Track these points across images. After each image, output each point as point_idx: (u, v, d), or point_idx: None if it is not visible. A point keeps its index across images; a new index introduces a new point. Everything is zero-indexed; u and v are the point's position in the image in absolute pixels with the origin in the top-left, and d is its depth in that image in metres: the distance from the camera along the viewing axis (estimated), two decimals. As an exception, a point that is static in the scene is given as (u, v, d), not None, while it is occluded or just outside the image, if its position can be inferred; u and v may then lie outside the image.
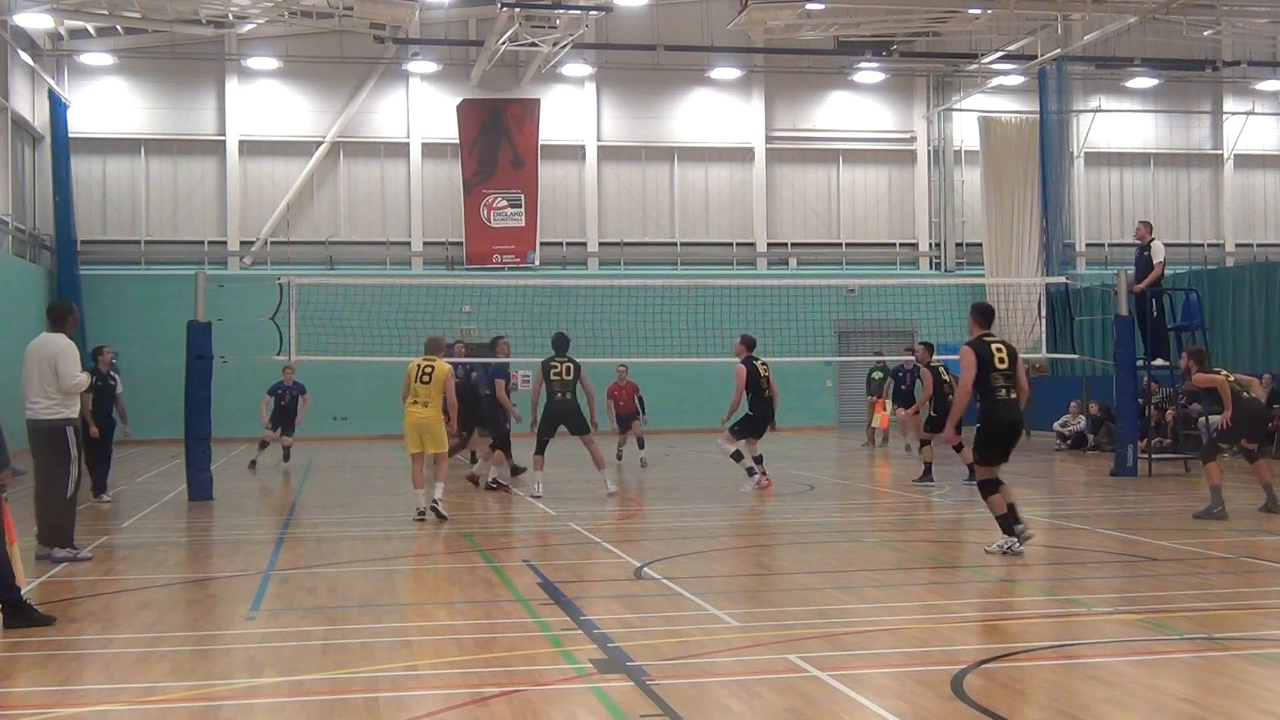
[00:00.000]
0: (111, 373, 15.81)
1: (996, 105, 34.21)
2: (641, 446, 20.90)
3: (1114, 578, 9.72)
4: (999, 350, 10.52)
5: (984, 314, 10.93)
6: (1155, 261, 17.65)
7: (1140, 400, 18.97)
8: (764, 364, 16.25)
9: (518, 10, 26.76)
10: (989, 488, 10.45)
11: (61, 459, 10.49)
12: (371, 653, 7.19)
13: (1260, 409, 13.69)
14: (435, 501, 13.21)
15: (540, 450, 15.64)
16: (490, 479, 16.66)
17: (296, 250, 31.21)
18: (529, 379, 28.31)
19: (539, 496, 15.33)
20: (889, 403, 25.99)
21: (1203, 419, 19.42)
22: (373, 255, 31.67)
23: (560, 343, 15.76)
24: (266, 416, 21.23)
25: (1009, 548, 10.32)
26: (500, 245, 31.53)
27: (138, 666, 6.94)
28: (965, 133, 34.20)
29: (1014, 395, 10.43)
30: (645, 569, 9.92)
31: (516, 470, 18.13)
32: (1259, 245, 35.27)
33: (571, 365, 15.51)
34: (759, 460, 16.39)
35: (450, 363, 14.79)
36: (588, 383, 15.76)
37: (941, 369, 17.19)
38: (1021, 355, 11.14)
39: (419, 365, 13.40)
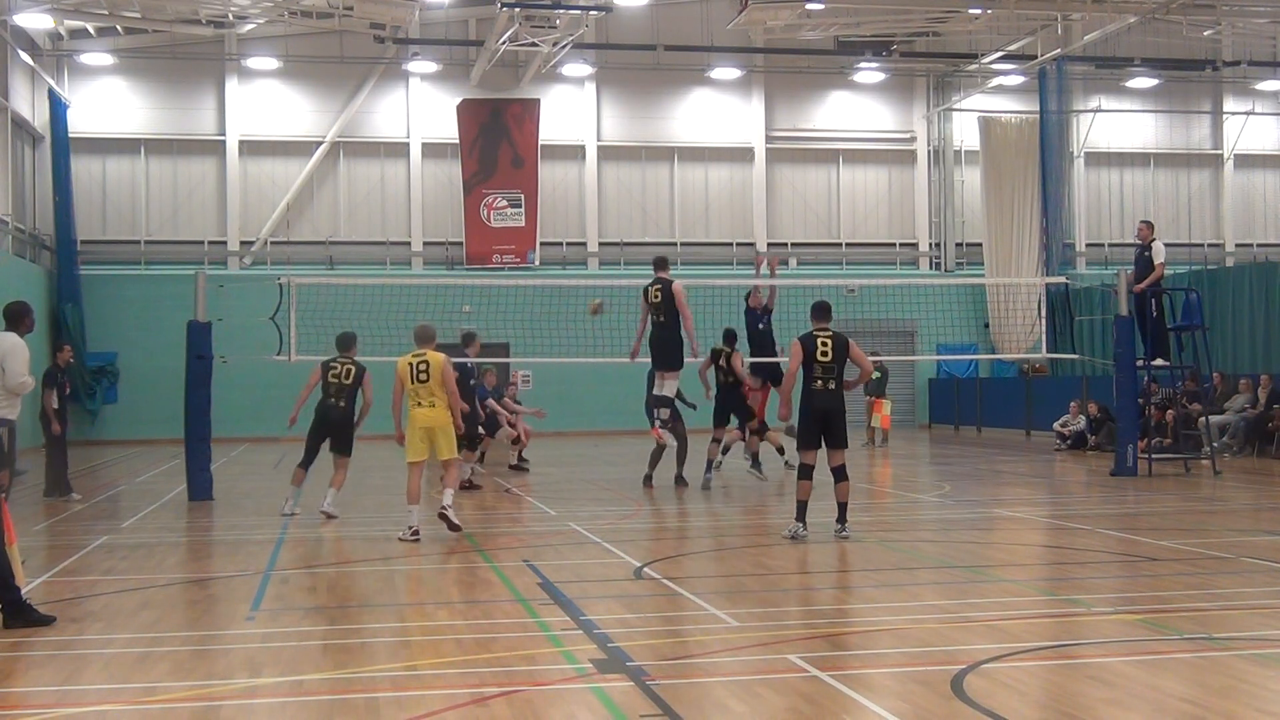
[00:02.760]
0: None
1: (996, 105, 34.22)
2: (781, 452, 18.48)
3: (1114, 578, 9.72)
4: (824, 345, 11.52)
5: (817, 310, 11.89)
6: (1156, 262, 17.66)
7: (1140, 400, 18.96)
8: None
9: (518, 10, 26.76)
10: (802, 472, 11.55)
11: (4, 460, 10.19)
12: (371, 653, 7.19)
13: None
14: (444, 509, 11.86)
15: (304, 463, 14.14)
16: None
17: (296, 250, 31.22)
18: (529, 378, 28.42)
19: (292, 514, 13.82)
20: (887, 403, 26.01)
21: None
22: (373, 255, 31.68)
23: (344, 341, 14.02)
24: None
25: (795, 532, 11.33)
26: (500, 245, 31.54)
27: (138, 666, 6.94)
28: (965, 133, 34.21)
29: (832, 386, 11.51)
30: (645, 569, 9.92)
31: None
32: (1259, 245, 35.27)
33: (353, 367, 13.73)
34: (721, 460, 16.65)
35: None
36: (369, 390, 13.77)
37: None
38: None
39: (410, 362, 11.84)
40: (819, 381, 11.47)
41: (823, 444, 11.55)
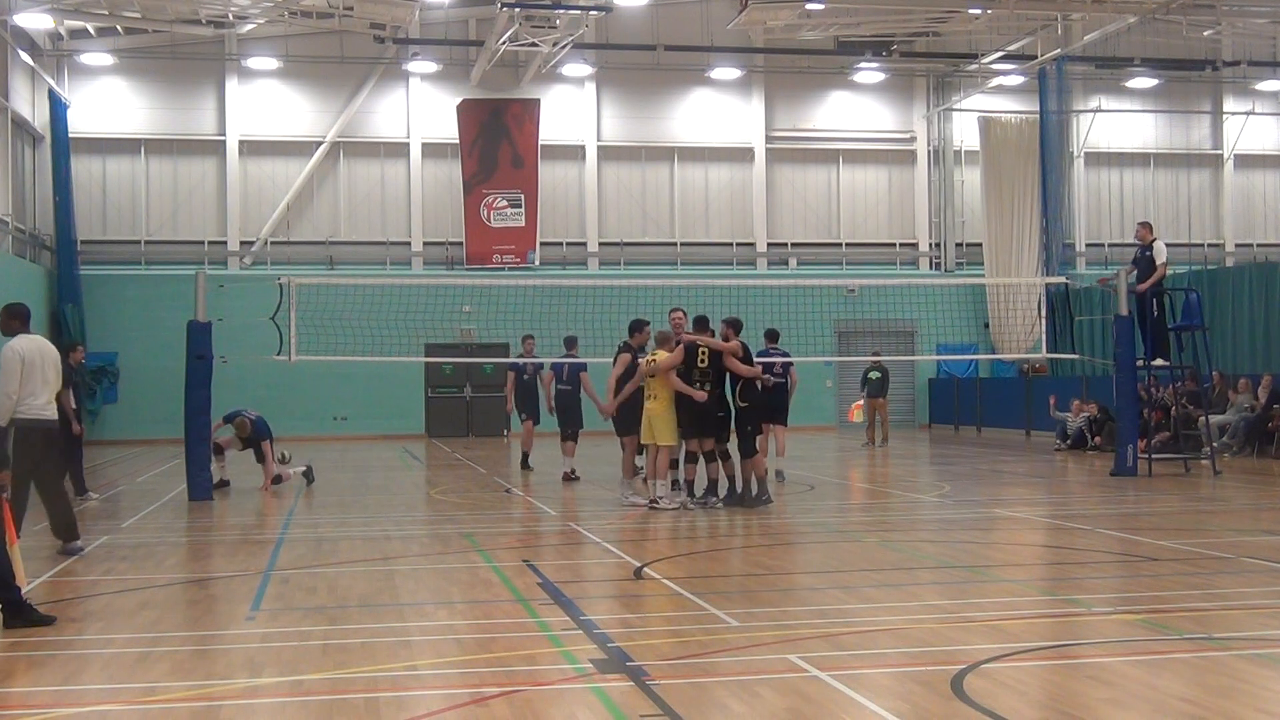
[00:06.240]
0: None
1: (996, 105, 34.22)
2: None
3: (1114, 578, 9.72)
4: (703, 353, 13.29)
5: (697, 322, 13.70)
6: (1158, 262, 17.66)
7: (1142, 399, 18.95)
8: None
9: (518, 10, 26.77)
10: (690, 459, 13.62)
11: (62, 455, 10.58)
12: (371, 653, 7.19)
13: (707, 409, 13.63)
14: (657, 498, 13.60)
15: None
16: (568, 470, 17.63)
17: (296, 250, 31.23)
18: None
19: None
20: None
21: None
22: (373, 255, 31.68)
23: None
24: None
25: (685, 503, 13.45)
26: (500, 245, 31.55)
27: (138, 666, 6.94)
28: (965, 133, 34.21)
29: (709, 388, 13.27)
30: (645, 569, 9.92)
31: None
32: (1259, 245, 35.28)
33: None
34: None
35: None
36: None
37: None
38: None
39: (648, 361, 13.91)
40: (698, 384, 13.23)
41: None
